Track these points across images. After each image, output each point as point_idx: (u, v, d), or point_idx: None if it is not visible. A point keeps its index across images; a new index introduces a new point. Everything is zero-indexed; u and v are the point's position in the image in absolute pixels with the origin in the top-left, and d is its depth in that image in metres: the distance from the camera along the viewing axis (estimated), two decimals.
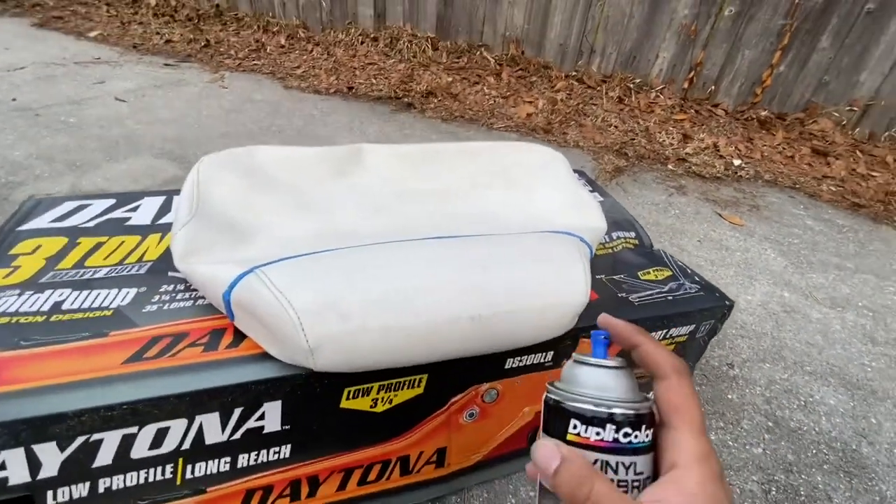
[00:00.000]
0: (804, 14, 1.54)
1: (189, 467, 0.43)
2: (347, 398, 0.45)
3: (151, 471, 0.42)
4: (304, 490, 0.48)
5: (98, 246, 0.57)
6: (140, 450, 0.41)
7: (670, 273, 0.63)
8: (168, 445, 0.41)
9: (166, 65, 1.96)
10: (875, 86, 1.56)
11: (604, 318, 0.27)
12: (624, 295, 0.57)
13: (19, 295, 0.48)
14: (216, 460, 0.44)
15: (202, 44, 2.19)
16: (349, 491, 0.49)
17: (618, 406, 0.23)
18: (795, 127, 1.66)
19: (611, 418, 0.23)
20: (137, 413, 0.39)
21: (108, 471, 0.41)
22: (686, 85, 1.79)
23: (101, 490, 0.41)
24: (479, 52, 2.05)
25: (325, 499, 0.49)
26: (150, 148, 1.26)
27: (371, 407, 0.46)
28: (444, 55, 2.08)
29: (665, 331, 0.57)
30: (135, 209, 0.65)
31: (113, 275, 0.53)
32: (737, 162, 1.53)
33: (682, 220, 1.21)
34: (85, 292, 0.50)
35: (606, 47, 1.85)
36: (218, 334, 0.46)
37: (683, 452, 0.22)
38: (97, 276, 0.52)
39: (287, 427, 0.45)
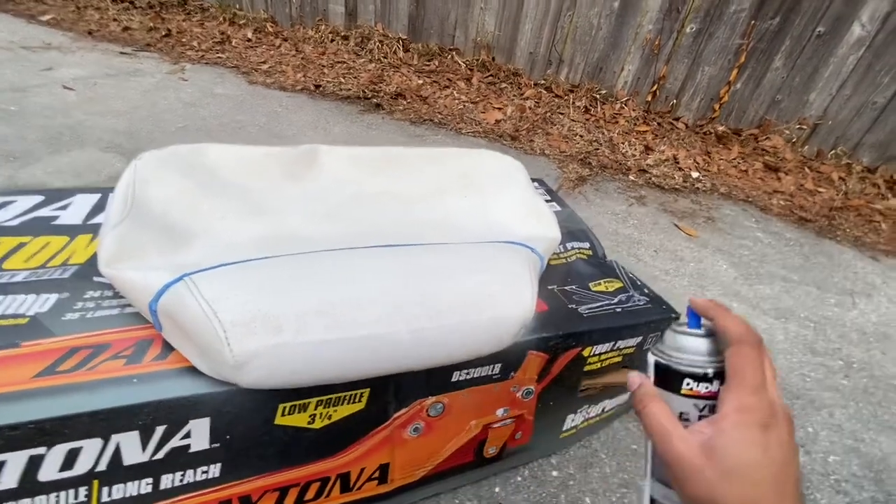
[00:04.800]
0: (759, 34, 1.61)
1: (105, 490, 0.40)
2: (283, 414, 0.43)
3: (62, 495, 0.39)
4: None
5: (20, 246, 0.53)
6: (49, 472, 0.38)
7: (621, 285, 0.64)
8: (81, 467, 0.39)
9: (122, 53, 1.87)
10: (823, 105, 1.65)
11: (692, 298, 0.32)
12: (574, 306, 0.58)
13: None
14: (136, 482, 0.41)
15: (163, 33, 2.10)
16: None
17: (712, 366, 0.29)
18: (750, 142, 1.73)
19: (713, 375, 0.29)
20: (45, 432, 0.36)
21: (11, 495, 0.37)
22: (649, 98, 1.84)
23: None
24: (450, 56, 2.05)
25: None
26: (98, 141, 1.19)
27: (309, 423, 0.45)
28: (416, 57, 2.07)
29: (613, 342, 0.57)
30: (64, 207, 0.61)
31: (33, 279, 0.49)
32: (695, 174, 1.59)
33: (640, 230, 1.23)
34: None
35: (574, 58, 1.88)
36: (144, 345, 0.43)
37: (726, 404, 0.26)
38: (15, 280, 0.49)
39: (216, 445, 0.42)
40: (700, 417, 0.29)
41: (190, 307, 0.39)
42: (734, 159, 1.69)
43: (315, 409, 0.45)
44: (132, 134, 1.26)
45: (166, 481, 0.42)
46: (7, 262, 0.51)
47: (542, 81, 1.97)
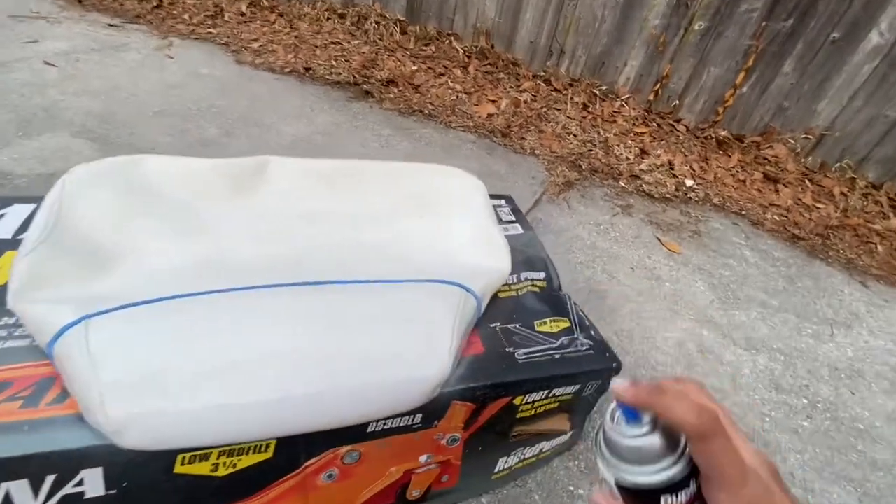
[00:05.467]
0: (771, 36, 1.52)
1: None
2: (182, 463, 0.42)
3: None
4: None
5: None
6: None
7: (567, 325, 0.62)
8: None
9: (110, 25, 1.81)
10: (832, 116, 1.57)
11: (615, 391, 0.26)
12: (511, 350, 0.56)
13: None
14: None
15: (154, 4, 2.03)
16: None
17: (681, 466, 0.25)
18: (752, 150, 1.66)
19: (688, 475, 0.25)
20: None
21: None
22: (651, 97, 1.76)
23: None
24: (448, 41, 1.97)
25: None
26: (70, 124, 1.17)
27: (212, 471, 0.44)
28: (412, 41, 1.99)
29: (547, 391, 0.55)
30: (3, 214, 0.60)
31: None
32: (689, 182, 1.53)
33: (620, 243, 1.20)
34: None
35: (576, 50, 1.80)
36: (45, 385, 0.42)
37: None
38: None
39: (113, 492, 0.42)
40: None
41: (75, 359, 0.37)
42: (733, 167, 1.62)
43: (217, 458, 0.43)
44: (106, 118, 1.23)
45: None
46: None
47: (542, 73, 1.89)
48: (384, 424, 0.48)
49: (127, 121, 1.24)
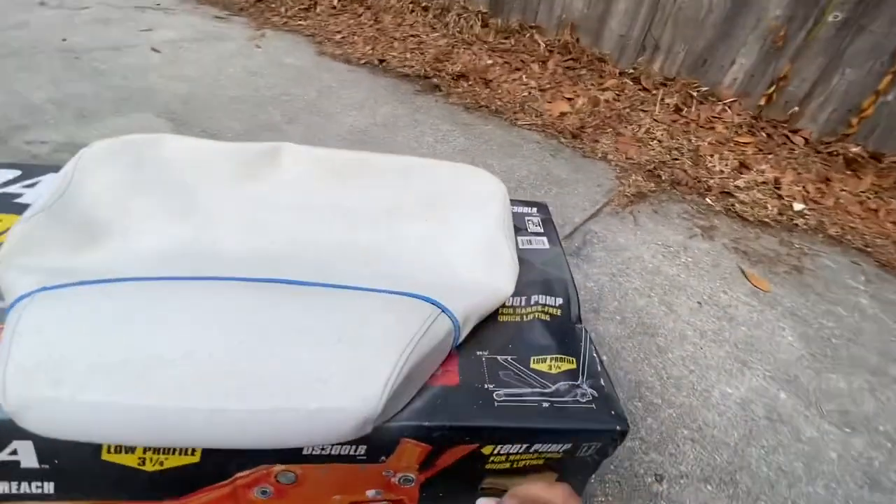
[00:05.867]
0: None
1: None
2: (108, 451, 0.41)
3: None
4: None
5: None
6: None
7: (572, 367, 0.51)
8: None
9: (217, 17, 1.99)
10: None
11: None
12: (490, 387, 0.47)
13: None
14: None
15: None
16: None
17: None
18: (892, 172, 1.33)
19: None
20: None
21: None
22: (763, 101, 1.49)
23: None
24: (529, 34, 1.86)
25: None
26: (157, 105, 1.28)
27: (139, 464, 0.42)
28: (493, 34, 1.91)
29: (527, 444, 0.46)
30: (32, 185, 0.64)
31: None
32: (798, 206, 1.26)
33: (691, 271, 1.02)
34: None
35: (674, 45, 1.58)
36: None
37: None
38: None
39: (46, 466, 0.41)
40: None
41: (5, 331, 0.37)
42: (863, 192, 1.31)
43: (144, 453, 0.41)
44: (189, 101, 1.33)
45: (3, 487, 0.42)
46: None
47: (630, 70, 1.70)
48: (321, 450, 0.43)
49: (206, 104, 1.33)
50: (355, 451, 0.43)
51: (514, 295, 0.58)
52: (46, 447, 0.41)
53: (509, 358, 0.51)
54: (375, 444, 0.43)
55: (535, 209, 0.76)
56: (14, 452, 0.40)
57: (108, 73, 1.40)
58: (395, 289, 0.48)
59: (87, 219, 0.54)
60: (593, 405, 0.47)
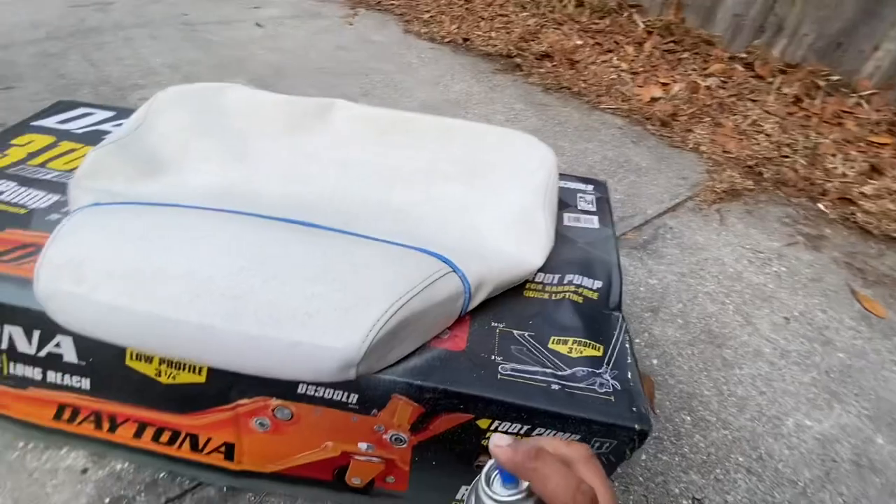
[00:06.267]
0: None
1: (11, 364, 0.48)
2: (131, 358, 0.44)
3: None
4: (106, 424, 0.50)
5: (70, 151, 0.65)
6: None
7: (596, 354, 0.45)
8: None
9: None
10: None
11: (491, 448, 0.23)
12: (497, 359, 0.43)
13: None
14: (30, 367, 0.47)
15: None
16: (144, 442, 0.50)
17: None
18: None
19: None
20: None
21: None
22: None
23: None
24: (628, 14, 1.71)
25: (125, 440, 0.50)
26: (250, 72, 1.39)
27: (156, 375, 0.45)
28: (587, 14, 1.79)
29: (528, 426, 0.42)
30: (121, 125, 0.72)
31: (56, 179, 0.59)
32: None
33: (783, 283, 0.87)
34: (24, 189, 0.57)
35: (801, 26, 1.36)
36: None
37: None
38: (46, 177, 0.59)
39: (83, 363, 0.46)
40: None
41: (53, 234, 0.41)
42: None
43: (159, 365, 0.44)
44: (278, 70, 1.42)
45: (52, 376, 0.48)
46: (53, 161, 0.62)
47: (743, 55, 1.49)
48: (314, 390, 0.42)
49: (292, 74, 1.41)
50: (347, 398, 0.42)
51: (545, 271, 0.54)
52: (83, 345, 0.45)
53: (526, 334, 0.46)
54: (367, 394, 0.42)
55: (590, 186, 0.69)
56: (58, 346, 0.45)
57: (216, 44, 1.54)
58: (410, 244, 0.46)
59: (152, 153, 0.59)
60: (612, 397, 0.41)
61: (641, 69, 1.53)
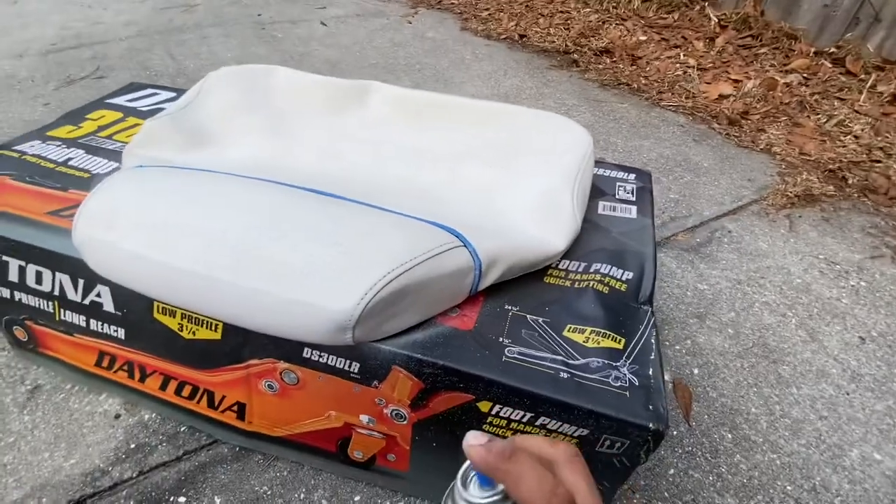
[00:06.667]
0: None
1: (62, 311, 0.52)
2: (158, 311, 0.47)
3: (39, 300, 0.53)
4: (137, 374, 0.53)
5: (135, 125, 0.70)
6: (30, 280, 0.51)
7: (617, 347, 0.42)
8: (45, 286, 0.51)
9: None
10: None
11: (465, 447, 0.22)
12: (505, 341, 0.41)
13: (58, 146, 0.64)
14: (76, 315, 0.52)
15: None
16: (168, 394, 0.52)
17: None
18: None
19: None
20: (20, 250, 0.49)
21: (15, 286, 0.53)
22: None
23: (14, 299, 0.54)
24: (699, 8, 1.60)
25: (152, 391, 0.53)
26: (309, 67, 1.45)
27: (179, 330, 0.47)
28: (653, 9, 1.70)
29: (531, 414, 0.39)
30: None
31: (119, 149, 0.64)
32: None
33: (859, 298, 0.76)
34: (90, 156, 0.63)
35: None
36: None
37: None
38: (110, 147, 0.65)
39: (119, 313, 0.49)
40: None
41: (96, 187, 0.44)
42: None
43: (181, 319, 0.46)
44: (335, 65, 1.47)
45: (94, 324, 0.52)
46: (118, 134, 0.68)
47: (832, 51, 1.34)
48: (318, 356, 0.42)
49: (347, 68, 1.46)
50: (349, 366, 0.42)
51: (570, 258, 0.50)
52: (119, 295, 0.48)
53: (540, 319, 0.44)
54: (368, 364, 0.41)
55: (631, 175, 0.64)
56: (98, 295, 0.49)
57: (282, 41, 1.63)
58: (424, 217, 0.45)
59: (199, 127, 0.62)
60: (626, 392, 0.38)
61: (711, 65, 1.42)
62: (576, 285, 0.48)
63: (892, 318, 0.72)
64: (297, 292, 0.35)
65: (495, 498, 0.20)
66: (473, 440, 0.21)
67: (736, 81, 1.34)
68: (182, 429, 0.55)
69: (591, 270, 0.49)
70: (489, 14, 1.91)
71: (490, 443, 0.21)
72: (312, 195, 0.47)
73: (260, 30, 1.72)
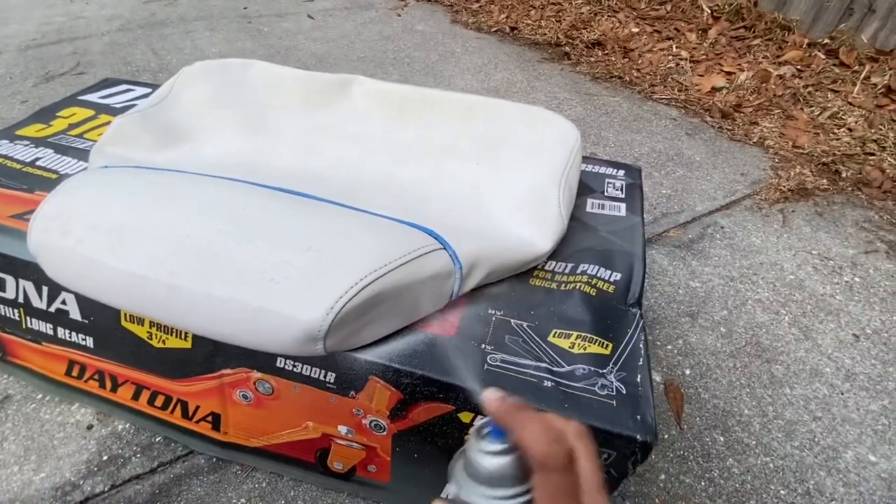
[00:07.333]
0: None
1: (27, 318, 0.50)
2: (125, 319, 0.45)
3: (4, 308, 0.50)
4: (108, 383, 0.51)
5: (107, 123, 0.67)
6: None
7: (604, 353, 0.40)
8: (10, 293, 0.49)
9: None
10: None
11: (484, 400, 0.23)
12: (488, 349, 0.39)
13: (26, 145, 0.61)
14: (43, 323, 0.49)
15: None
16: (141, 404, 0.50)
17: (518, 501, 0.21)
18: None
19: None
20: None
21: None
22: None
23: None
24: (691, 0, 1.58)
25: (125, 401, 0.51)
26: (295, 61, 1.42)
27: (147, 338, 0.45)
28: (646, 1, 1.67)
29: None
30: None
31: (89, 149, 0.62)
32: None
33: (853, 295, 0.75)
34: (59, 156, 0.60)
35: None
36: None
37: None
38: (81, 146, 0.62)
39: (86, 321, 0.47)
40: None
41: (54, 189, 0.42)
42: None
43: (150, 327, 0.44)
44: (322, 59, 1.44)
45: (61, 332, 0.49)
46: (89, 133, 0.65)
47: (825, 41, 1.32)
48: (292, 365, 0.40)
49: (335, 62, 1.43)
50: (324, 376, 0.40)
51: (556, 259, 0.49)
52: (84, 304, 0.46)
53: (525, 324, 0.42)
54: (344, 374, 0.39)
55: (621, 171, 0.62)
56: (64, 303, 0.47)
57: (268, 35, 1.60)
58: (404, 219, 0.43)
59: (172, 124, 0.60)
60: (613, 402, 0.36)
61: (704, 57, 1.40)
62: (562, 287, 0.46)
63: (886, 315, 0.71)
64: (262, 300, 0.33)
65: (504, 447, 0.22)
66: (492, 394, 0.23)
67: (729, 74, 1.32)
68: (157, 439, 0.53)
69: (578, 271, 0.47)
70: (480, 6, 1.88)
71: (507, 397, 0.23)
72: (284, 196, 0.45)
73: (246, 23, 1.69)
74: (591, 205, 0.57)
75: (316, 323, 0.32)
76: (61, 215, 0.38)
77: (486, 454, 0.22)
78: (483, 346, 0.40)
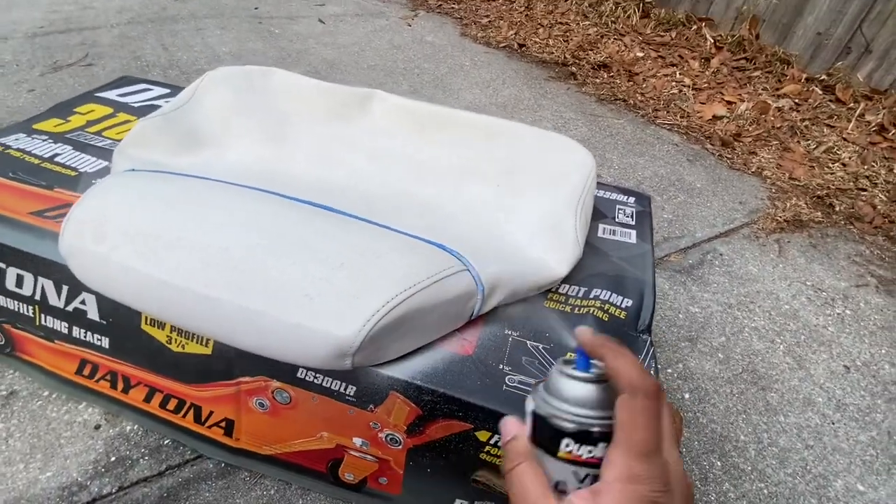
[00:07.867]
0: None
1: (42, 315, 0.50)
2: (146, 322, 0.45)
3: (19, 304, 0.50)
4: (120, 384, 0.51)
5: (125, 122, 0.68)
6: (10, 283, 0.49)
7: None
8: (26, 290, 0.49)
9: None
10: None
11: (579, 330, 0.26)
12: (506, 369, 0.41)
13: (44, 140, 0.62)
14: (58, 321, 0.50)
15: None
16: (152, 407, 0.51)
17: (598, 423, 0.23)
18: None
19: (599, 436, 0.23)
20: (3, 252, 0.47)
21: None
22: None
23: None
24: (696, 28, 1.63)
25: (135, 402, 0.51)
26: (306, 65, 1.43)
27: (167, 342, 0.45)
28: (651, 26, 1.72)
29: None
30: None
31: (108, 147, 0.62)
32: None
33: (845, 327, 0.78)
34: (77, 153, 0.60)
35: (893, 48, 1.23)
36: None
37: (609, 471, 0.21)
38: (99, 144, 0.62)
39: (104, 322, 0.47)
40: (580, 488, 0.22)
41: (84, 193, 0.43)
42: None
43: (171, 332, 0.45)
44: (333, 64, 1.46)
45: (76, 332, 0.50)
46: (108, 131, 0.66)
47: (823, 77, 1.37)
48: (313, 376, 0.41)
49: (346, 69, 1.44)
50: (345, 389, 0.41)
51: (571, 283, 0.50)
52: (104, 305, 0.46)
53: (540, 346, 0.43)
54: (365, 388, 0.40)
55: (631, 199, 0.64)
56: (83, 303, 0.47)
57: (279, 37, 1.61)
58: (427, 238, 0.44)
59: (194, 128, 0.61)
60: None
61: (706, 85, 1.44)
62: (576, 311, 0.47)
63: (875, 348, 0.74)
64: (299, 316, 0.33)
65: (588, 376, 0.23)
66: (583, 328, 0.26)
67: (729, 103, 1.36)
68: (165, 442, 0.53)
69: (591, 296, 0.49)
70: (489, 21, 1.91)
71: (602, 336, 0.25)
72: (313, 210, 0.46)
73: (257, 24, 1.69)
74: (603, 230, 0.59)
75: (349, 340, 0.33)
76: (95, 220, 0.39)
77: (572, 379, 0.24)
78: (501, 366, 0.41)
